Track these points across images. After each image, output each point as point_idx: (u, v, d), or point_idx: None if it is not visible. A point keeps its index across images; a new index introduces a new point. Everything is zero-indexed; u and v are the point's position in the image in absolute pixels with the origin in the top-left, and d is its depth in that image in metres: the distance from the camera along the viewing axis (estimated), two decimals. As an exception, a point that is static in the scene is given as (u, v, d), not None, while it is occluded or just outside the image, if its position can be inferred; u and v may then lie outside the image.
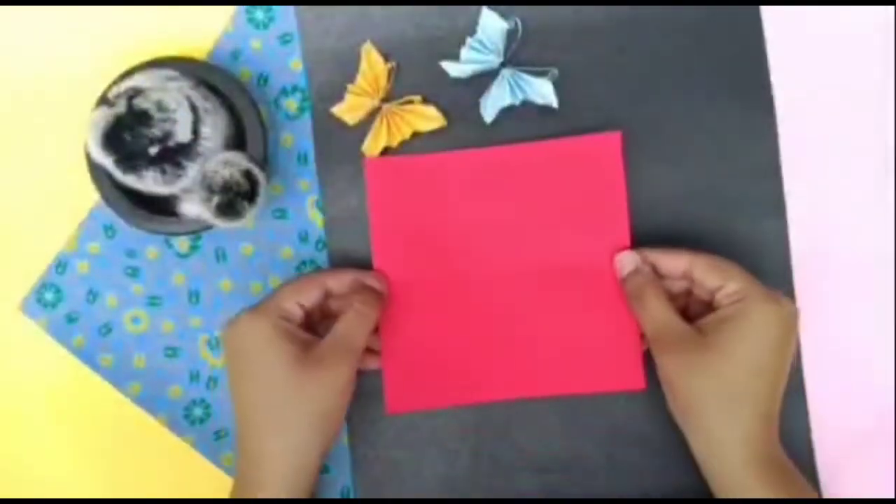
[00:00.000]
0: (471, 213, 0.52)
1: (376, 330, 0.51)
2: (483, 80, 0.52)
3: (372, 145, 0.52)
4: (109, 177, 0.48)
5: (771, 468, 0.45)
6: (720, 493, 0.47)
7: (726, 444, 0.46)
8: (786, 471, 0.46)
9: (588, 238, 0.51)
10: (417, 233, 0.52)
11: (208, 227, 0.50)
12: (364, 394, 0.53)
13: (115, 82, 0.48)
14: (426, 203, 0.52)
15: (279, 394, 0.46)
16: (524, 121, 0.53)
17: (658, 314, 0.48)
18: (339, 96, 0.53)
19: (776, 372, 0.46)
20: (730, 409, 0.46)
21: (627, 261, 0.50)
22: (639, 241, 0.52)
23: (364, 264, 0.53)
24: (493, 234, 0.52)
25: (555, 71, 0.52)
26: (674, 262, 0.49)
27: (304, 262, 0.54)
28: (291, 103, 0.54)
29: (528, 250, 0.52)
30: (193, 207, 0.48)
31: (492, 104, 0.52)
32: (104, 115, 0.46)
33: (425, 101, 0.53)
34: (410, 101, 0.52)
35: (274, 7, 0.53)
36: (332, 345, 0.48)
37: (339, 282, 0.50)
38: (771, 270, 0.52)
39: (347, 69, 0.53)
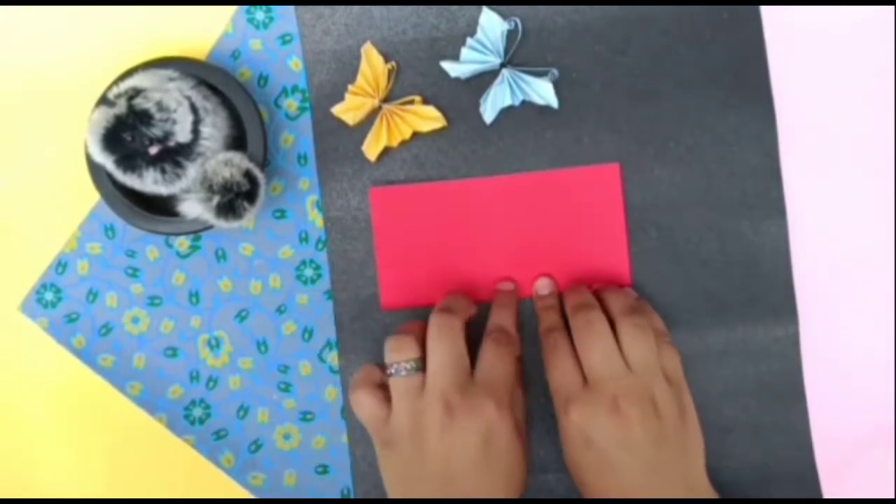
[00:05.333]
0: (474, 240, 0.53)
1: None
2: (483, 80, 0.52)
3: (372, 145, 0.52)
4: (109, 177, 0.48)
5: None
6: None
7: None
8: None
9: (588, 265, 0.52)
10: (422, 259, 0.53)
11: (208, 227, 0.50)
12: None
13: (115, 82, 0.48)
14: (430, 229, 0.53)
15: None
16: (524, 121, 0.53)
17: (555, 372, 0.48)
18: (339, 96, 0.53)
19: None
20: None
21: (541, 286, 0.52)
22: (638, 245, 0.52)
23: (364, 264, 0.53)
24: (496, 262, 0.53)
25: (555, 71, 0.52)
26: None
27: (304, 262, 0.54)
28: (291, 103, 0.54)
29: (530, 278, 0.52)
30: (193, 207, 0.48)
31: (492, 104, 0.52)
32: (104, 115, 0.46)
33: (425, 101, 0.53)
34: (410, 102, 0.52)
35: (274, 7, 0.53)
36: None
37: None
38: (771, 270, 0.52)
39: (347, 69, 0.53)
